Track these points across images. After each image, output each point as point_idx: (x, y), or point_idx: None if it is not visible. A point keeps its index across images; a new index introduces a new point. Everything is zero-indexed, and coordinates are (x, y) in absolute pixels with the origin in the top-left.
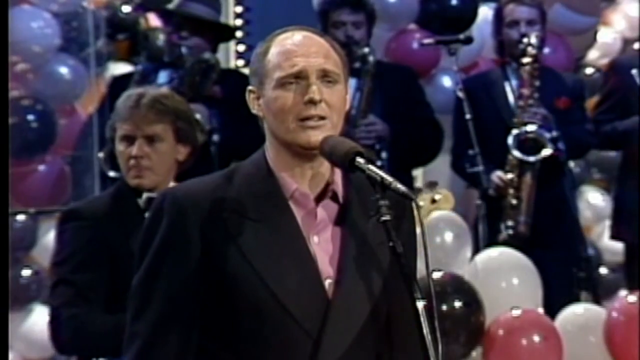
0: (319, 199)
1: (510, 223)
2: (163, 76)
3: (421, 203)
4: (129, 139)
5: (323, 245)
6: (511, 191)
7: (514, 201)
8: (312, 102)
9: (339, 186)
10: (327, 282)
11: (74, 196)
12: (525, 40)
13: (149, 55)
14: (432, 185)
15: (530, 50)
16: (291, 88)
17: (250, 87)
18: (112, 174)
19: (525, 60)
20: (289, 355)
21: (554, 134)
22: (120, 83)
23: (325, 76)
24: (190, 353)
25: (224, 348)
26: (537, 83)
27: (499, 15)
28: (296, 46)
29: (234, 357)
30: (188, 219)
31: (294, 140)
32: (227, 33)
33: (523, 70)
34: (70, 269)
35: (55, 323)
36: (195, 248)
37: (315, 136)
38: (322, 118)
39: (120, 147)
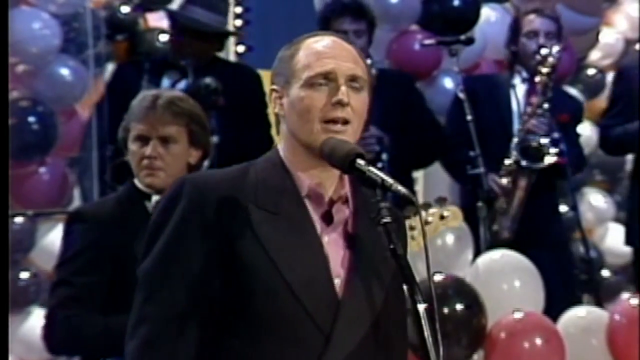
0: (331, 201)
1: (495, 227)
2: (166, 83)
3: (429, 219)
4: (143, 139)
5: (333, 246)
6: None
7: (504, 205)
8: (340, 104)
9: (348, 192)
10: (337, 281)
11: (73, 198)
12: (545, 50)
13: (146, 56)
14: (441, 201)
15: (550, 60)
16: (319, 88)
17: (273, 87)
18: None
19: (545, 70)
20: (299, 346)
21: (561, 147)
22: (123, 71)
23: (353, 81)
24: (199, 341)
25: (234, 336)
26: (549, 94)
27: (515, 26)
28: (327, 48)
29: (244, 346)
30: (206, 204)
31: (315, 142)
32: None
33: (540, 80)
34: (71, 270)
35: (49, 323)
36: (212, 233)
37: None
38: (346, 122)
39: (133, 147)
